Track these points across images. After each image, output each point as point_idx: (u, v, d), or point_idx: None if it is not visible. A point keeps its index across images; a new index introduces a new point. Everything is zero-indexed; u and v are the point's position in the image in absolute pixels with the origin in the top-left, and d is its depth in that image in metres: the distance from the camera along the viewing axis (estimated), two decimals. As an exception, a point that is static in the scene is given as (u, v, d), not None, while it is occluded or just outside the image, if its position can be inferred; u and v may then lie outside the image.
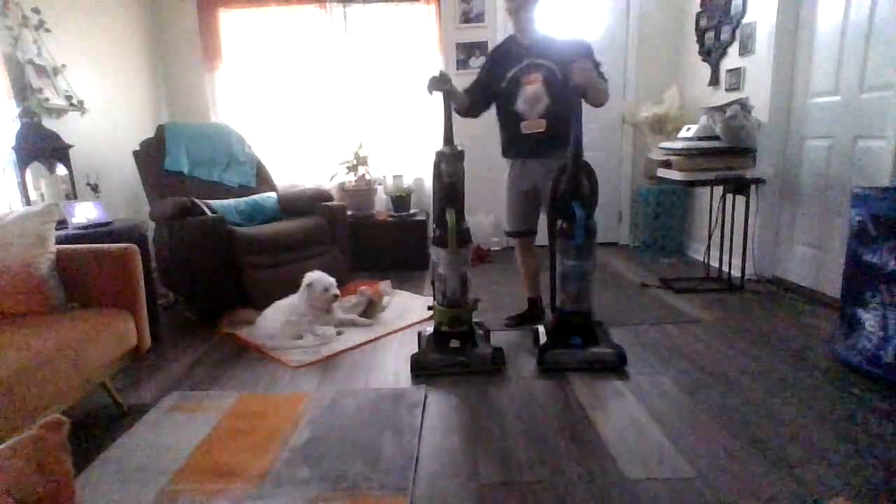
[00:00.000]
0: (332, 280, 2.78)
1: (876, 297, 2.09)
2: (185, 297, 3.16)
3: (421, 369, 2.32)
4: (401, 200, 4.14)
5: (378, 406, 2.03)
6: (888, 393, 1.98)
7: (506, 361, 2.35)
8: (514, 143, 2.60)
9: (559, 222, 2.33)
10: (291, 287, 2.82)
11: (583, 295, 2.34)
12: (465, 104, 2.54)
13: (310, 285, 2.73)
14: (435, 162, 2.33)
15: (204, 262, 2.92)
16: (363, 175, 4.11)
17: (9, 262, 1.90)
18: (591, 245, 2.30)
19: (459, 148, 2.31)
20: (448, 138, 2.33)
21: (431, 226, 2.51)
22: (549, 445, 1.76)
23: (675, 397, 2.04)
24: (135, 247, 2.07)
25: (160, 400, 2.14)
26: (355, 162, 4.09)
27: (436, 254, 2.39)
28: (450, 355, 2.35)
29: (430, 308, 2.53)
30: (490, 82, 2.55)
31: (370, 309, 3.04)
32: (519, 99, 2.48)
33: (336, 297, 2.77)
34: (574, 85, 2.24)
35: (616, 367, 2.28)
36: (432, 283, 2.45)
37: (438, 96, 2.36)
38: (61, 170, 2.75)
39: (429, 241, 3.81)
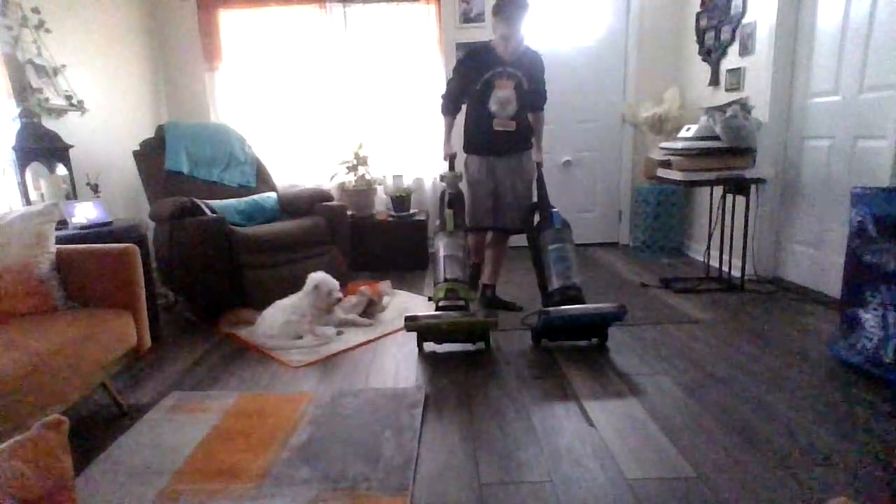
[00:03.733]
0: (336, 283, 2.78)
1: (876, 297, 2.09)
2: (185, 297, 3.16)
3: (413, 321, 2.42)
4: (401, 200, 4.13)
5: (378, 406, 2.03)
6: (888, 393, 1.99)
7: (498, 323, 2.49)
8: (485, 140, 2.88)
9: (539, 223, 2.78)
10: (291, 287, 2.82)
11: (571, 271, 2.62)
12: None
13: (316, 287, 2.73)
14: (440, 179, 2.95)
15: (204, 262, 2.92)
16: (363, 175, 4.11)
17: (9, 262, 1.90)
18: (568, 232, 2.74)
19: (458, 172, 2.94)
20: (451, 167, 2.93)
21: (435, 222, 2.98)
22: (549, 445, 1.76)
23: (675, 397, 2.04)
24: (135, 247, 2.07)
25: (160, 400, 2.14)
26: (355, 162, 4.08)
27: (436, 242, 2.75)
28: (443, 314, 2.49)
29: (429, 299, 2.68)
30: (467, 83, 2.84)
31: (370, 309, 3.04)
32: (492, 100, 2.79)
33: (339, 300, 2.77)
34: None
35: (618, 318, 2.44)
36: (434, 282, 2.51)
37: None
38: (61, 170, 2.75)
39: (429, 241, 3.85)
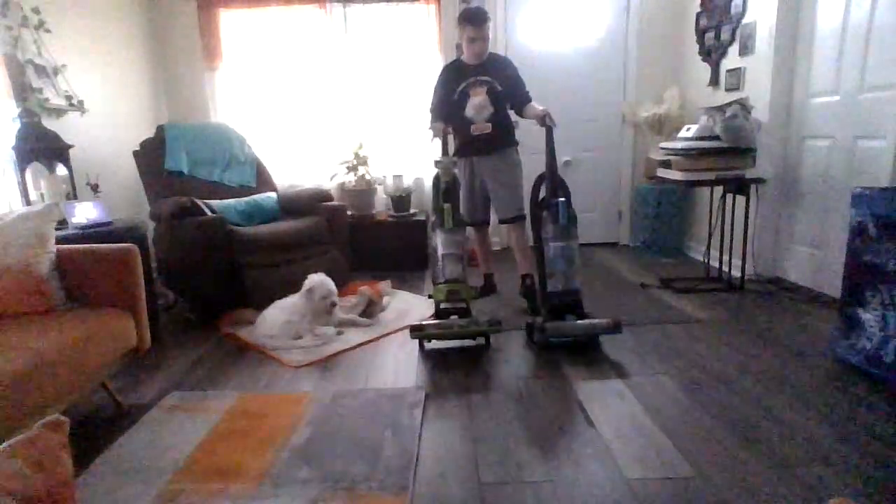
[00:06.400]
0: (332, 288, 2.76)
1: (876, 297, 2.09)
2: (185, 297, 3.16)
3: (418, 331, 2.49)
4: (401, 200, 4.14)
5: (378, 406, 2.03)
6: (888, 393, 1.99)
7: (502, 326, 2.51)
8: (466, 144, 3.07)
9: (544, 214, 2.67)
10: (291, 287, 2.82)
11: (572, 274, 2.60)
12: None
13: (310, 290, 2.72)
14: (434, 168, 2.83)
15: (204, 262, 2.92)
16: (363, 175, 4.11)
17: (9, 262, 1.90)
18: (574, 228, 2.65)
19: (454, 157, 2.98)
20: (444, 151, 2.94)
21: (431, 217, 2.97)
22: (549, 445, 1.76)
23: (675, 397, 2.04)
24: (135, 247, 2.07)
25: (160, 400, 2.14)
26: (355, 162, 4.08)
27: (435, 238, 2.78)
28: (447, 322, 2.53)
29: (429, 297, 2.71)
30: (447, 97, 3.04)
31: (370, 309, 3.04)
32: (468, 107, 2.99)
33: (334, 304, 2.76)
34: (548, 124, 2.85)
35: (612, 333, 2.46)
36: (433, 280, 2.51)
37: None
38: (61, 170, 2.75)
39: (429, 240, 3.84)
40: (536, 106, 2.96)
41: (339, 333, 2.76)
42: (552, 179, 2.71)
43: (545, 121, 2.82)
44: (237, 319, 2.96)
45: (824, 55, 2.98)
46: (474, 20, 2.88)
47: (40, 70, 2.87)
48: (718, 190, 3.38)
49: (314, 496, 1.52)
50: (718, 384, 2.12)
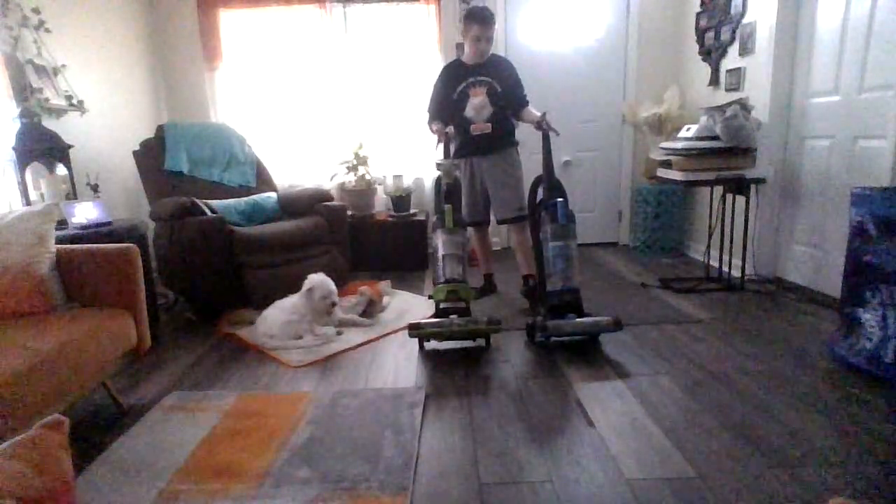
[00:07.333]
0: (332, 288, 2.76)
1: (876, 297, 2.09)
2: (185, 297, 3.16)
3: (416, 329, 2.49)
4: (401, 200, 4.14)
5: (378, 406, 2.03)
6: (888, 393, 1.99)
7: (501, 325, 2.52)
8: (465, 144, 3.08)
9: (542, 214, 2.68)
10: (291, 287, 2.82)
11: (571, 273, 2.59)
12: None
13: (310, 290, 2.72)
14: (436, 170, 2.91)
15: (204, 262, 2.92)
16: (363, 175, 4.11)
17: (9, 262, 1.90)
18: (573, 227, 2.65)
19: (456, 160, 3.03)
20: (446, 154, 2.99)
21: (432, 218, 2.97)
22: (549, 445, 1.76)
23: (675, 397, 2.04)
24: (135, 247, 2.08)
25: (160, 400, 2.14)
26: (355, 162, 4.08)
27: (435, 239, 2.77)
28: (446, 321, 2.53)
29: (429, 297, 2.72)
30: (446, 96, 3.05)
31: (370, 309, 3.04)
32: (468, 107, 3.01)
33: (334, 304, 2.76)
34: (545, 128, 2.85)
35: (614, 331, 2.47)
36: (433, 281, 2.51)
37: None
38: (61, 170, 2.75)
39: (429, 240, 3.85)
40: (533, 110, 2.98)
41: (339, 333, 2.76)
42: (549, 181, 2.72)
43: (541, 125, 2.84)
44: (237, 319, 2.96)
45: (824, 55, 2.98)
46: (482, 20, 2.88)
47: (40, 70, 2.87)
48: (718, 190, 3.38)
49: (314, 496, 1.52)
50: (718, 384, 2.12)
